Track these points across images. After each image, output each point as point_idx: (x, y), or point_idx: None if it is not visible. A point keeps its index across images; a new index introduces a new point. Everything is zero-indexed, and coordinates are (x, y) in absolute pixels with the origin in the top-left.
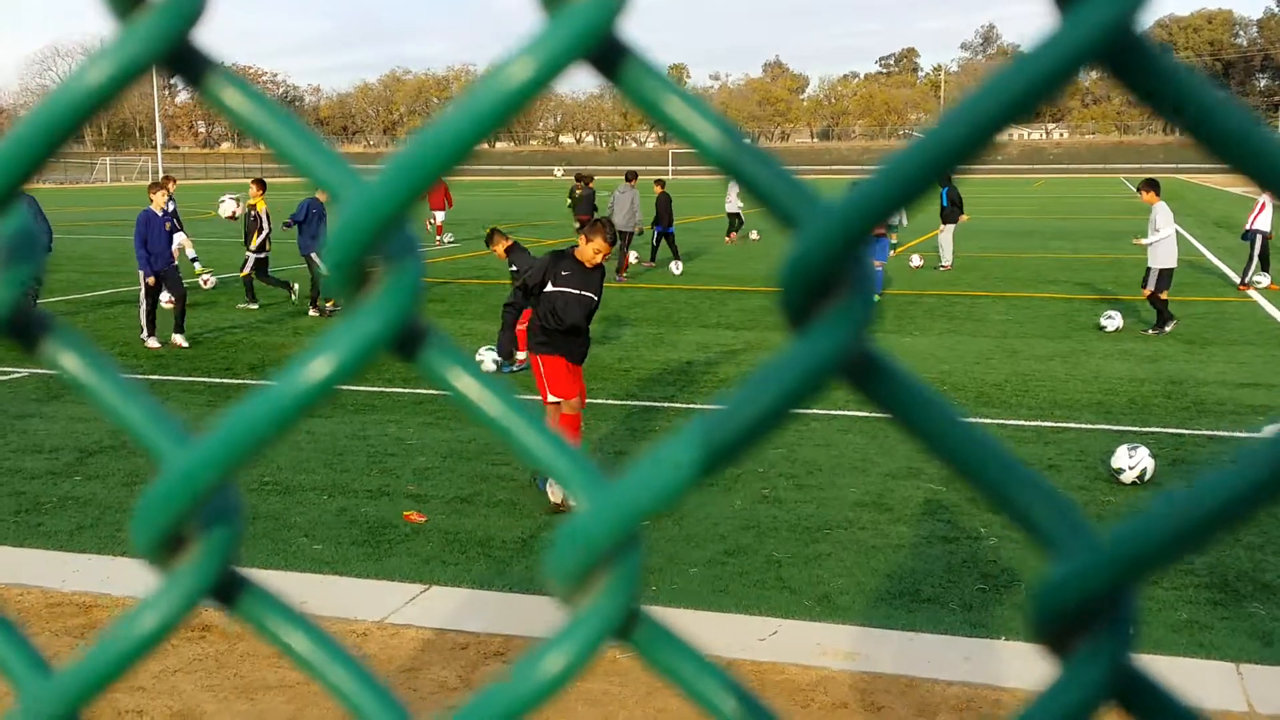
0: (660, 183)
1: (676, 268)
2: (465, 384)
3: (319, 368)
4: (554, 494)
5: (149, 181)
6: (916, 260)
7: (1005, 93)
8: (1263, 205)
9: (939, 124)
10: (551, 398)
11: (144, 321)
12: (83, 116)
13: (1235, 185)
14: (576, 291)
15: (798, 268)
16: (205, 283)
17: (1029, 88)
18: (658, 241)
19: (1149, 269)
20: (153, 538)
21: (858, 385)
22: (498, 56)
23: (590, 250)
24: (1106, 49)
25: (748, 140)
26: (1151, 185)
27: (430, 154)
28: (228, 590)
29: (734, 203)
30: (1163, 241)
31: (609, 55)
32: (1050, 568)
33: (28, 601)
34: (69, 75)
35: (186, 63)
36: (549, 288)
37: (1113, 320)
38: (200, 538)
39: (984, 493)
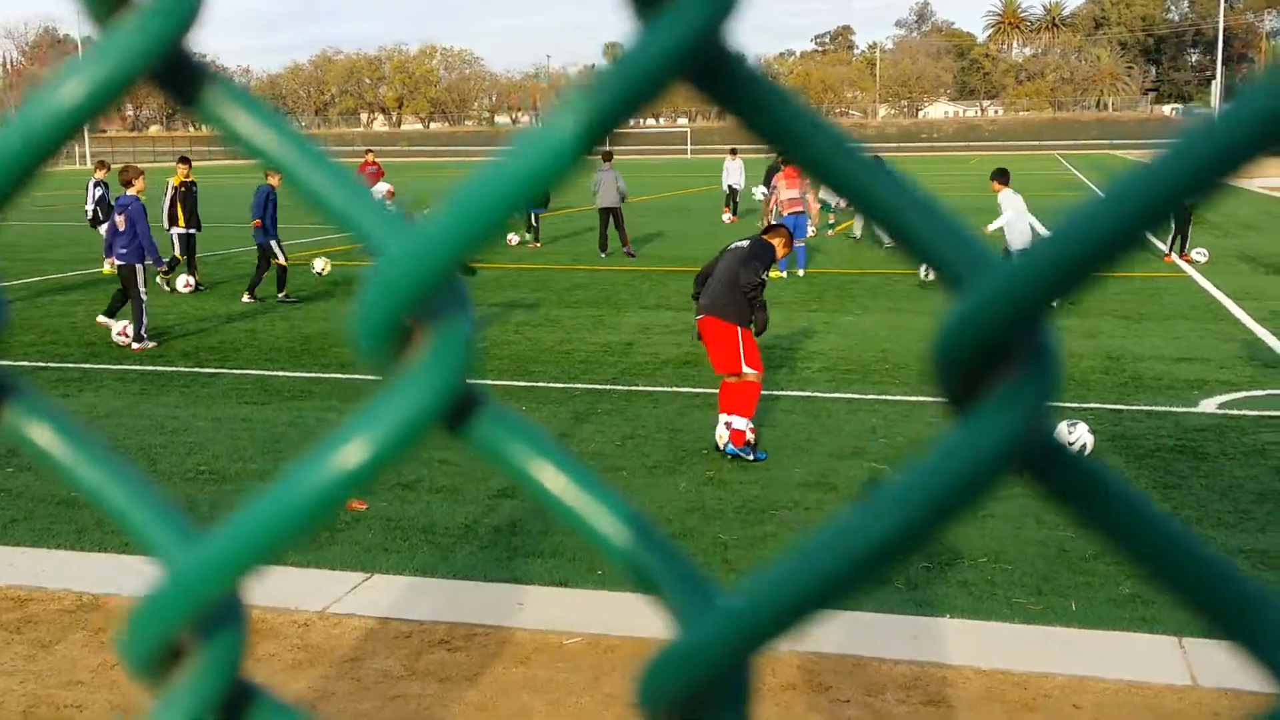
0: None
1: (532, 245)
2: (530, 462)
3: (353, 453)
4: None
5: (118, 167)
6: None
7: (1245, 127)
8: None
9: (1156, 163)
10: (750, 370)
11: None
12: (56, 143)
13: None
14: None
15: (962, 333)
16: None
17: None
18: (536, 221)
19: (1006, 250)
20: (148, 651)
21: (1038, 478)
22: (581, 74)
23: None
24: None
25: (899, 178)
26: (998, 175)
27: (499, 190)
28: (235, 706)
29: (736, 178)
30: (1014, 226)
31: (712, 66)
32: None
33: None
34: (38, 92)
35: (180, 75)
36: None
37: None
38: (200, 648)
39: (1199, 609)
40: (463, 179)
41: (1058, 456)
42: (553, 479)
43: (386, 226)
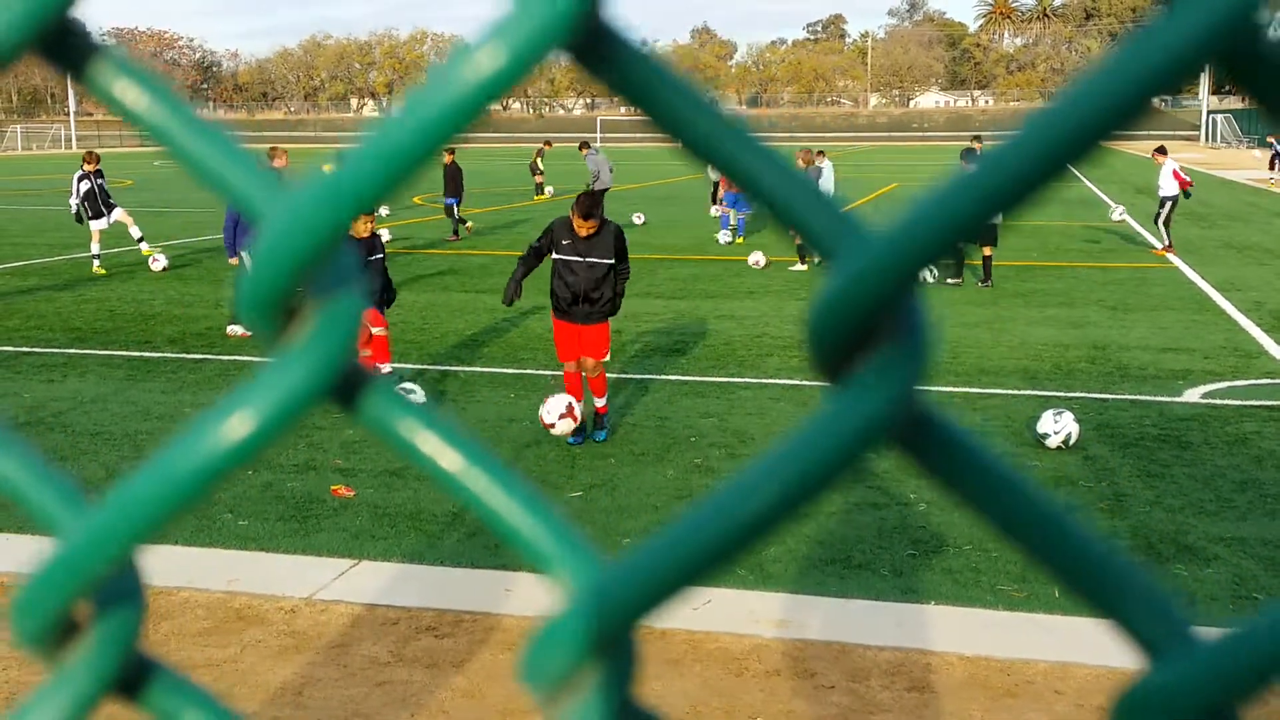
0: (451, 151)
1: (459, 234)
2: (417, 436)
3: (237, 427)
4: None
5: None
6: None
7: (1104, 99)
8: (1172, 169)
9: (1019, 136)
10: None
11: None
12: None
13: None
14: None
15: (834, 308)
16: (155, 263)
17: (1131, 93)
18: (454, 213)
19: None
20: (40, 624)
21: (909, 451)
22: (460, 44)
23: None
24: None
25: (766, 147)
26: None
27: (374, 163)
28: (133, 681)
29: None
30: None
31: (592, 43)
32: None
33: None
34: None
35: (65, 47)
36: (554, 255)
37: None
38: (96, 622)
39: (1065, 581)
40: (367, 131)
41: (931, 430)
42: (444, 455)
43: (270, 195)
